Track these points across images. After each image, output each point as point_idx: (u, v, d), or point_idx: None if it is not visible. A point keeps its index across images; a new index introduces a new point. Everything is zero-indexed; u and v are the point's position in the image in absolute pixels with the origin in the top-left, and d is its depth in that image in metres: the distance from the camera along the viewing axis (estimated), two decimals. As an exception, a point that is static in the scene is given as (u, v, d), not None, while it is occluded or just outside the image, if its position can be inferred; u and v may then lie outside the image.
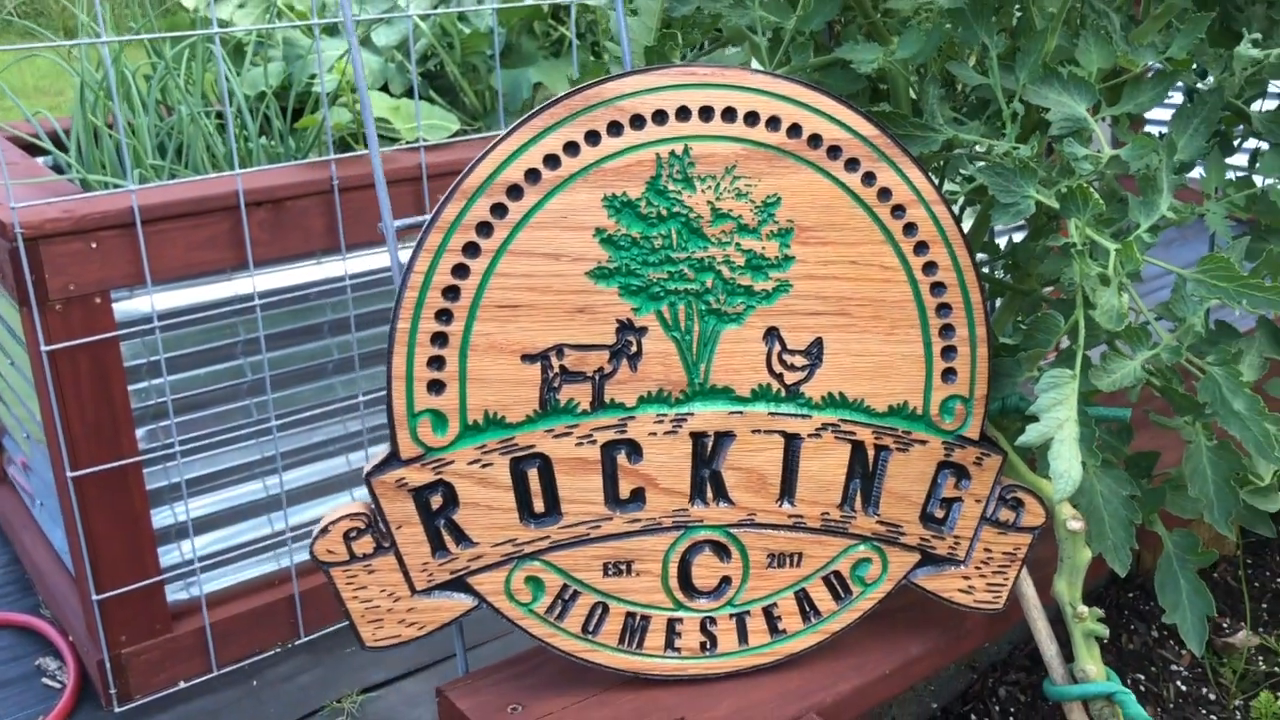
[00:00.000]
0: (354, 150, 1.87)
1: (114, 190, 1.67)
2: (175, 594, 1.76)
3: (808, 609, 0.96)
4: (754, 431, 0.92)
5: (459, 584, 0.90)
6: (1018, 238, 1.37)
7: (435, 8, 2.15)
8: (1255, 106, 1.18)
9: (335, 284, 1.80)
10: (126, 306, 1.62)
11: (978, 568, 0.97)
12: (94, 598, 1.62)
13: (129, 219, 1.56)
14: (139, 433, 1.68)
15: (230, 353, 1.78)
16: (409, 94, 2.16)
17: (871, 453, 0.94)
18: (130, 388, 1.65)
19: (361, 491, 1.89)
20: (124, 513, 1.65)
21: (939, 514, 0.96)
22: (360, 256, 1.85)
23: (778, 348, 0.91)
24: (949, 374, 0.94)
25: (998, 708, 1.18)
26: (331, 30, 2.11)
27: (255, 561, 1.86)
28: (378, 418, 1.94)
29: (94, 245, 1.54)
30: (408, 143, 1.93)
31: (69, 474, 1.55)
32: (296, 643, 1.86)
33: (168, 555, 1.75)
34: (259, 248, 1.70)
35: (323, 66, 1.89)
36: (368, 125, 1.11)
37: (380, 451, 0.89)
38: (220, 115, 2.16)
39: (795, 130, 0.88)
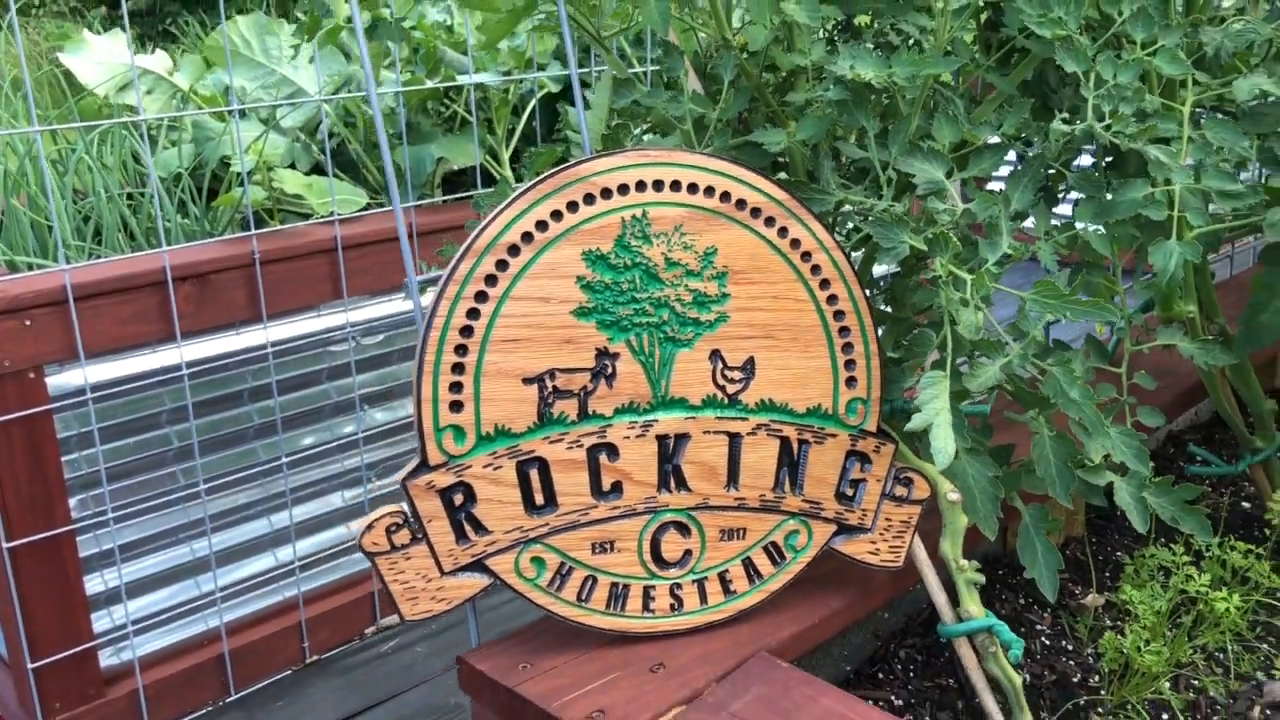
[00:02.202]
0: (269, 225, 2.15)
1: (46, 270, 1.91)
2: (107, 659, 1.98)
3: (753, 573, 1.30)
4: (705, 432, 1.25)
5: (478, 565, 1.20)
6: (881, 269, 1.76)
7: (337, 91, 2.47)
8: (1076, 164, 1.61)
9: (257, 352, 2.07)
10: (58, 380, 1.86)
11: (881, 534, 1.32)
12: (28, 666, 1.81)
13: (61, 297, 1.80)
14: (71, 502, 1.91)
15: (156, 422, 2.03)
16: (313, 171, 2.46)
17: (796, 446, 1.28)
18: (63, 459, 1.86)
19: (285, 553, 2.16)
20: (57, 581, 1.86)
21: (849, 492, 1.31)
22: (280, 325, 2.13)
23: (720, 365, 1.25)
24: (851, 381, 1.29)
25: (899, 666, 1.52)
26: (243, 114, 2.39)
27: (185, 623, 2.09)
28: (300, 478, 2.20)
29: (28, 323, 1.76)
30: (321, 217, 2.23)
31: (4, 545, 1.74)
32: (228, 700, 2.09)
33: (99, 621, 1.97)
34: (185, 320, 1.96)
35: (241, 147, 2.18)
36: (391, 188, 1.42)
37: (410, 462, 1.19)
38: (131, 196, 2.42)
39: (726, 196, 1.23)
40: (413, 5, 2.54)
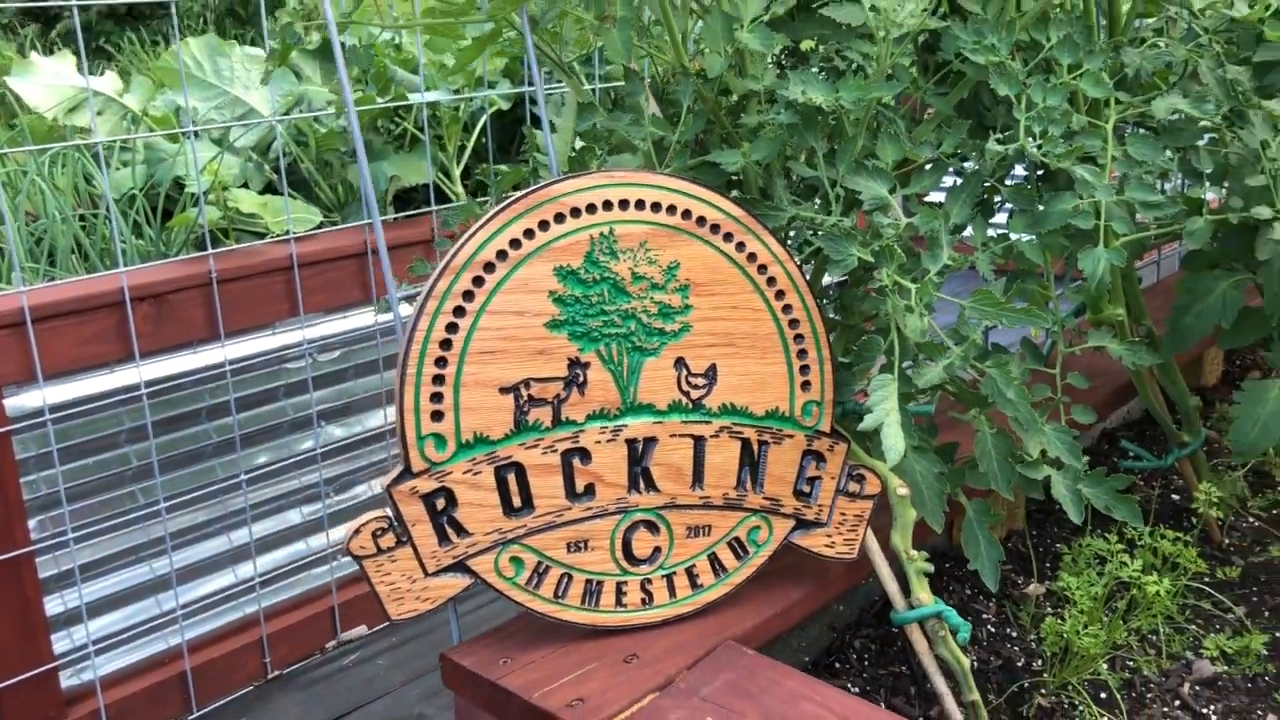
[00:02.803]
0: (224, 245, 2.23)
1: (3, 292, 1.97)
2: (68, 680, 2.04)
3: (718, 568, 1.40)
4: (671, 436, 1.36)
5: (460, 566, 1.29)
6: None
7: (289, 111, 2.55)
8: (1010, 179, 1.74)
9: (215, 370, 2.15)
10: (16, 402, 1.92)
11: (836, 528, 1.44)
12: (-11, 689, 1.86)
13: (19, 319, 1.87)
14: (30, 523, 1.97)
15: (115, 441, 2.09)
16: (266, 190, 2.54)
17: (756, 446, 1.39)
18: (21, 480, 1.92)
19: (245, 569, 2.24)
20: (17, 603, 1.92)
21: (806, 489, 1.42)
22: (237, 343, 2.21)
23: (684, 372, 1.36)
24: (806, 385, 1.41)
25: (855, 656, 1.64)
26: (193, 135, 2.46)
27: (146, 642, 2.15)
28: (259, 495, 2.28)
29: (-14, 345, 1.83)
30: (276, 235, 2.31)
31: (-36, 568, 1.79)
32: (190, 717, 2.16)
33: (60, 642, 2.03)
34: (143, 340, 2.03)
35: (198, 168, 2.26)
36: (370, 204, 1.51)
37: (394, 469, 1.28)
38: (83, 218, 2.48)
39: (687, 214, 1.34)
40: (361, 25, 2.63)
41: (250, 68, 2.58)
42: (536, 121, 2.58)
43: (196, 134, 2.46)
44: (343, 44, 2.45)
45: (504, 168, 2.71)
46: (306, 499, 2.35)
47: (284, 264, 2.22)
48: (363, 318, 2.36)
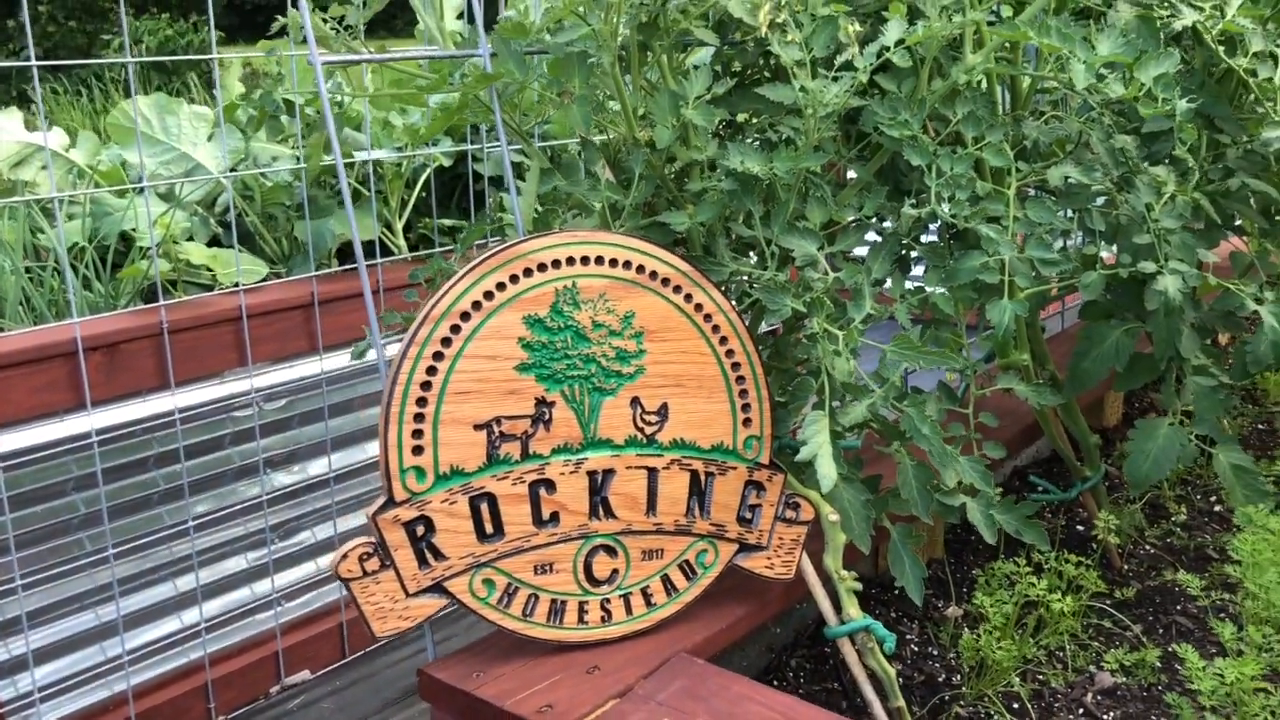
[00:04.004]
0: (173, 296, 2.40)
1: (-46, 344, 2.12)
2: (9, 729, 2.16)
3: (670, 588, 1.61)
4: (628, 468, 1.57)
5: (438, 587, 1.49)
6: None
7: (235, 167, 2.73)
8: (925, 237, 2.00)
9: (164, 419, 2.31)
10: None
11: (775, 551, 1.66)
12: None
13: (-27, 368, 2.02)
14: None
15: (64, 489, 2.24)
16: (212, 243, 2.72)
17: (703, 477, 1.61)
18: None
19: (191, 615, 2.38)
20: (-39, 651, 2.05)
21: (748, 516, 1.64)
22: (188, 392, 2.37)
23: (639, 410, 1.57)
24: (747, 421, 1.63)
25: (791, 674, 1.85)
26: (142, 190, 2.64)
27: (92, 689, 2.29)
28: (205, 541, 2.43)
29: (-60, 395, 1.98)
30: (226, 287, 2.49)
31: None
32: (135, 764, 2.29)
33: (4, 690, 2.16)
34: (95, 389, 2.20)
35: (150, 221, 2.43)
36: (358, 253, 1.71)
37: (378, 500, 1.47)
38: (30, 270, 2.63)
39: (641, 269, 1.56)
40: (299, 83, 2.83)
41: (197, 125, 2.76)
42: (479, 178, 2.80)
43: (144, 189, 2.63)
44: (289, 104, 2.65)
45: (447, 221, 2.92)
46: (252, 545, 2.51)
47: (233, 315, 2.39)
48: (308, 367, 2.54)
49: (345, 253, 2.82)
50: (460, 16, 2.67)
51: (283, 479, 2.53)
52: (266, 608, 2.50)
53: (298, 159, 2.75)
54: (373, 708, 2.44)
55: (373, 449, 2.66)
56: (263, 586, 2.50)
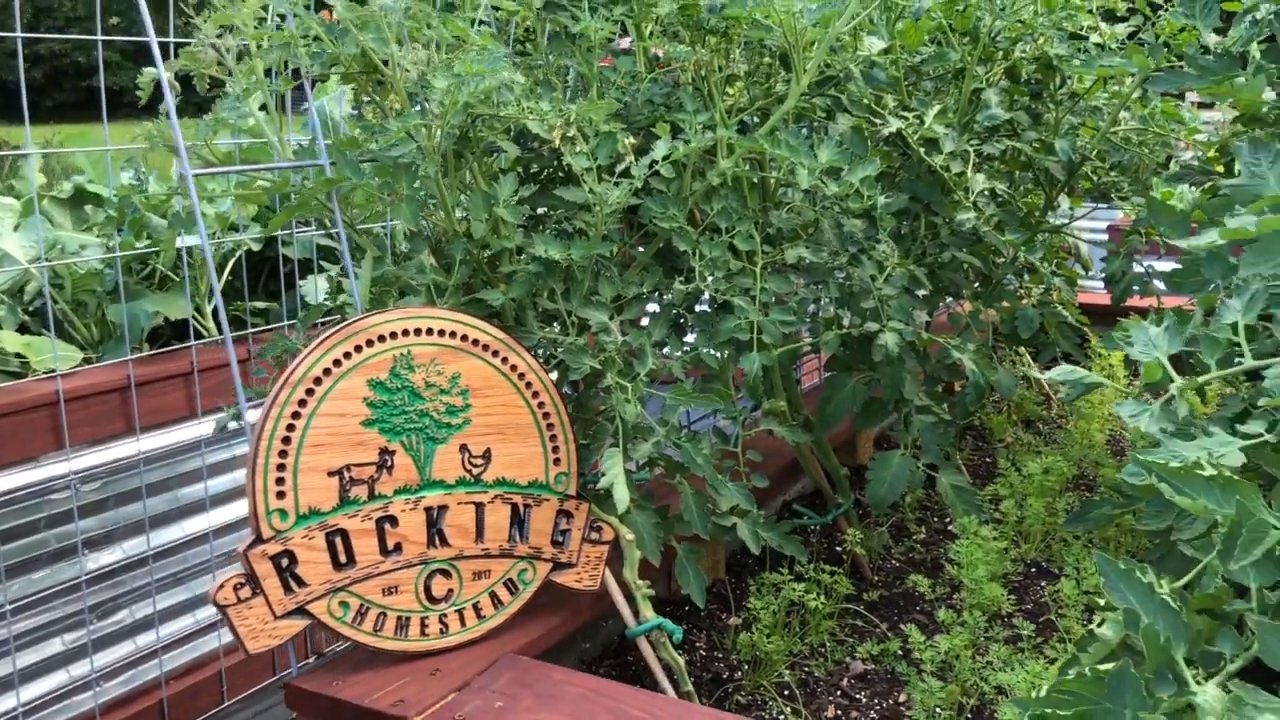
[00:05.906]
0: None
1: None
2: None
3: (497, 602, 2.00)
4: (459, 503, 1.96)
5: (301, 610, 1.82)
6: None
7: (46, 254, 3.00)
8: (697, 306, 2.48)
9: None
10: None
11: (584, 567, 2.07)
12: None
13: None
14: None
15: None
16: (21, 331, 2.98)
17: (522, 509, 2.01)
18: None
19: (7, 701, 2.55)
20: None
21: (560, 539, 2.04)
22: (4, 476, 2.60)
23: (467, 455, 1.97)
24: (557, 460, 2.05)
25: (601, 681, 2.28)
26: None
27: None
28: (24, 624, 2.61)
29: None
30: (41, 373, 2.76)
31: None
32: None
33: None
34: (-95, 476, 2.41)
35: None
36: (223, 327, 2.05)
37: (247, 536, 1.82)
38: None
39: (465, 337, 1.97)
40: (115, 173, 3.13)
41: (3, 215, 3.03)
42: (288, 261, 3.16)
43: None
44: (96, 195, 2.95)
45: (259, 304, 3.26)
46: (70, 627, 2.65)
47: (50, 400, 2.63)
48: (125, 448, 2.78)
49: (154, 336, 3.10)
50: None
51: (101, 559, 2.67)
52: (85, 688, 2.58)
53: (108, 247, 3.04)
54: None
55: (191, 526, 2.82)
56: (80, 669, 2.58)
